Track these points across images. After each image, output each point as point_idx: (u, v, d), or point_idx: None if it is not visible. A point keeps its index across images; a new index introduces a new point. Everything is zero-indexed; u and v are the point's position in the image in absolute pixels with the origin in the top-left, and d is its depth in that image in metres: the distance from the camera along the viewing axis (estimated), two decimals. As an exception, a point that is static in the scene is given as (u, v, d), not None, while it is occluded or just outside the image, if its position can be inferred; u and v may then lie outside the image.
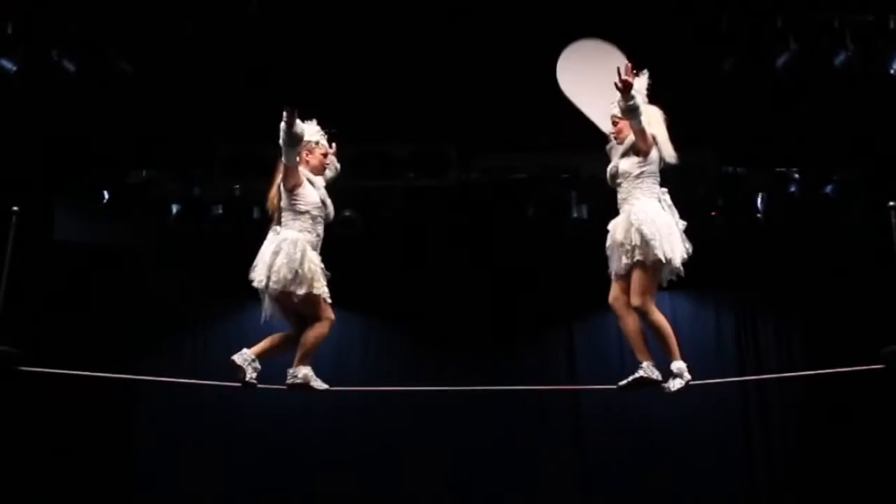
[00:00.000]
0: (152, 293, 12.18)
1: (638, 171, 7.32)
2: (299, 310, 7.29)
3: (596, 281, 10.82)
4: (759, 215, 11.73)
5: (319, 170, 7.59)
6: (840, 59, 9.96)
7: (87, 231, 11.73)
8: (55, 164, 11.17)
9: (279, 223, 7.40)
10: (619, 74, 7.04)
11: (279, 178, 7.42)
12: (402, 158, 11.31)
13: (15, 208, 7.34)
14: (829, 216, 11.64)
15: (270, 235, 7.36)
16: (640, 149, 7.31)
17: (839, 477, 11.34)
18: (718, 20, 10.03)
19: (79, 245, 11.67)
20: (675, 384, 7.08)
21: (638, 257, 7.11)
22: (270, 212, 7.52)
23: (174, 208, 11.80)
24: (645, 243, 7.09)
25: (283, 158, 7.24)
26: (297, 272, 7.11)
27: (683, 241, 7.27)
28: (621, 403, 10.84)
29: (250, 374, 7.07)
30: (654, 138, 7.34)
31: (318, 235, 7.43)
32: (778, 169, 11.63)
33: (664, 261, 7.08)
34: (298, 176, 7.33)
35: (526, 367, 12.14)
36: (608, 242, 7.42)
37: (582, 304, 12.21)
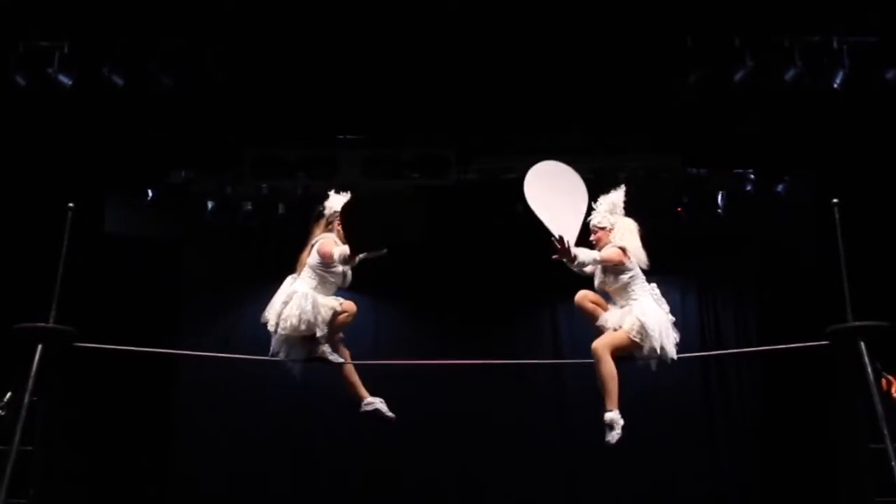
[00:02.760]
0: (190, 279, 12.18)
1: (627, 280, 7.29)
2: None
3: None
4: (719, 210, 11.72)
5: (343, 238, 7.44)
6: (790, 74, 9.96)
7: (134, 225, 11.73)
8: (105, 166, 11.16)
9: (298, 273, 7.38)
10: (555, 247, 7.14)
11: (318, 244, 7.39)
12: (407, 160, 11.31)
13: (70, 205, 7.35)
14: (780, 212, 11.63)
15: (286, 282, 7.37)
16: (619, 268, 7.27)
17: (790, 444, 11.33)
18: (684, 40, 10.03)
19: (126, 237, 11.67)
20: (613, 435, 7.02)
21: (635, 337, 7.11)
22: (300, 264, 7.47)
23: (209, 205, 11.80)
24: (644, 333, 7.08)
25: (335, 257, 7.18)
26: (309, 321, 7.11)
27: (675, 330, 7.27)
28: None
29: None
30: (624, 251, 7.26)
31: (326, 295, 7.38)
32: (736, 170, 11.61)
33: (658, 352, 7.08)
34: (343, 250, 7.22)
35: (516, 344, 12.16)
36: (612, 322, 7.34)
37: (564, 288, 12.19)
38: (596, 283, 7.48)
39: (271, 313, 7.24)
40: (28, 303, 7.48)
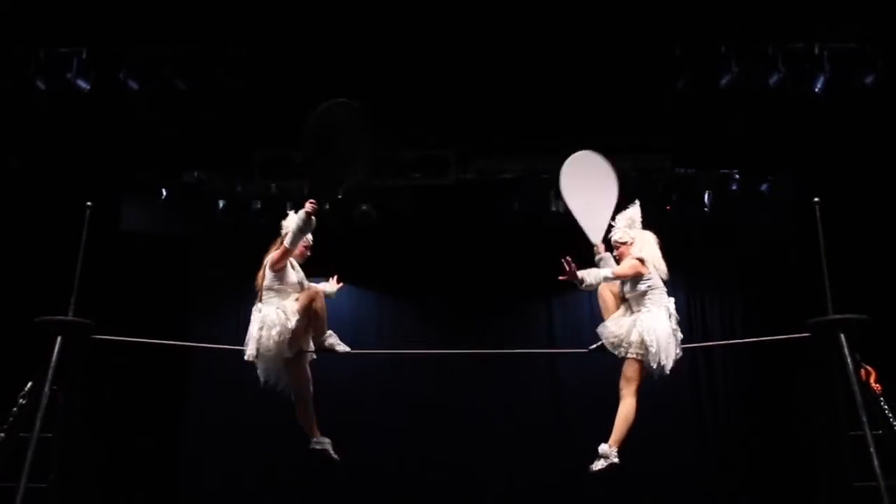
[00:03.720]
0: (202, 274, 12.18)
1: (644, 289, 7.27)
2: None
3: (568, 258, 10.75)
4: (705, 209, 11.72)
5: (301, 257, 7.51)
6: (773, 79, 9.98)
7: (148, 223, 11.73)
8: (121, 167, 11.18)
9: (261, 300, 7.32)
10: (564, 270, 7.13)
11: (268, 259, 7.34)
12: (409, 161, 11.31)
13: (88, 204, 7.36)
14: (764, 210, 11.64)
15: (254, 314, 7.32)
16: (637, 278, 7.25)
17: (773, 431, 11.35)
18: (673, 47, 10.04)
19: (141, 234, 11.67)
20: (598, 464, 7.05)
21: (632, 355, 7.09)
22: (257, 289, 7.42)
23: (220, 203, 11.81)
24: (644, 348, 7.06)
25: (286, 242, 7.17)
26: (281, 325, 7.10)
27: (677, 346, 7.23)
28: (592, 364, 10.83)
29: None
30: (642, 262, 7.25)
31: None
32: (722, 170, 11.62)
33: (655, 367, 7.07)
34: (284, 262, 7.25)
35: (513, 334, 12.15)
36: (617, 318, 7.37)
37: (558, 282, 12.21)
38: (617, 289, 7.47)
39: (251, 343, 7.19)
40: (48, 297, 7.49)
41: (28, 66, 9.95)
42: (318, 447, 7.35)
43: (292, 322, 7.11)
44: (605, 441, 7.13)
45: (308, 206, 7.10)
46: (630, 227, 7.55)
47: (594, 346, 7.39)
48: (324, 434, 7.43)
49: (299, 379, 7.35)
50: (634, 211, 7.63)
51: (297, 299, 7.24)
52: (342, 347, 7.38)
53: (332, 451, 7.37)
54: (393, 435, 11.70)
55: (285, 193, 11.38)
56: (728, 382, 12.10)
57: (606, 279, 7.24)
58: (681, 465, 11.53)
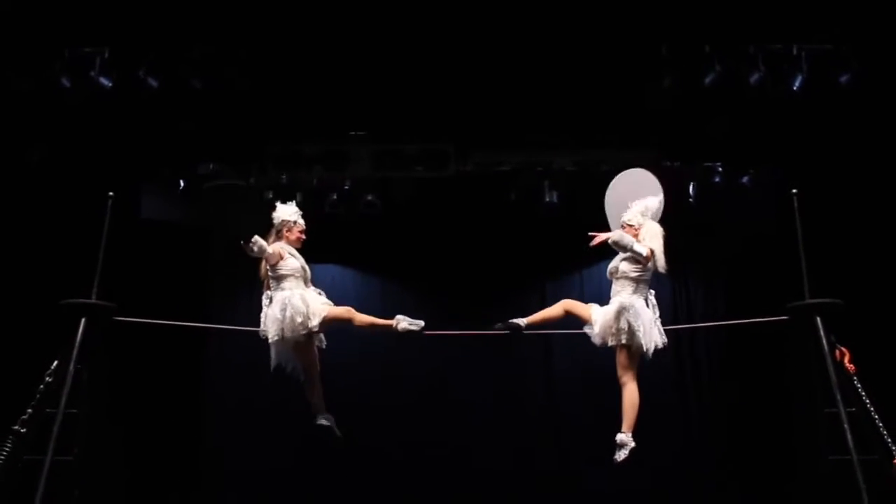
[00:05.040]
0: (218, 261, 12.16)
1: (635, 276, 7.27)
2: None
3: (562, 251, 10.89)
4: (690, 200, 11.70)
5: (297, 243, 7.49)
6: (754, 78, 9.98)
7: (167, 212, 11.72)
8: (142, 160, 11.18)
9: (269, 288, 7.30)
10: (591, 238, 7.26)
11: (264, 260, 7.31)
12: (411, 154, 11.31)
13: (110, 194, 7.37)
14: (746, 201, 11.63)
15: (264, 300, 7.31)
16: (640, 260, 7.24)
17: (753, 409, 11.34)
18: (659, 47, 10.04)
19: (160, 223, 11.65)
20: (620, 454, 7.12)
21: (623, 341, 7.09)
22: (262, 278, 7.43)
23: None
24: (631, 333, 7.05)
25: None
26: (304, 317, 7.07)
27: (660, 333, 7.25)
28: (584, 349, 10.81)
29: None
30: (652, 252, 7.23)
31: (302, 288, 7.31)
32: (706, 163, 11.60)
33: (644, 349, 7.08)
34: (277, 255, 7.21)
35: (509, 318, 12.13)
36: (597, 319, 7.36)
37: (552, 268, 12.27)
38: (611, 265, 7.46)
39: (274, 325, 7.15)
40: (72, 281, 7.49)
41: (54, 66, 9.96)
42: (324, 423, 7.31)
43: (314, 322, 7.10)
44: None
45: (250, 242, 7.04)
46: (643, 214, 7.53)
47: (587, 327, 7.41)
48: (329, 412, 7.41)
49: (307, 358, 7.32)
50: (652, 202, 7.61)
51: (326, 311, 7.22)
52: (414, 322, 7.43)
53: (335, 429, 7.33)
54: (393, 412, 11.68)
55: (296, 184, 11.35)
56: (712, 364, 12.08)
57: (632, 248, 7.20)
58: (664, 444, 11.51)
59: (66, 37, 9.89)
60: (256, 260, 7.30)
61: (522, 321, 7.51)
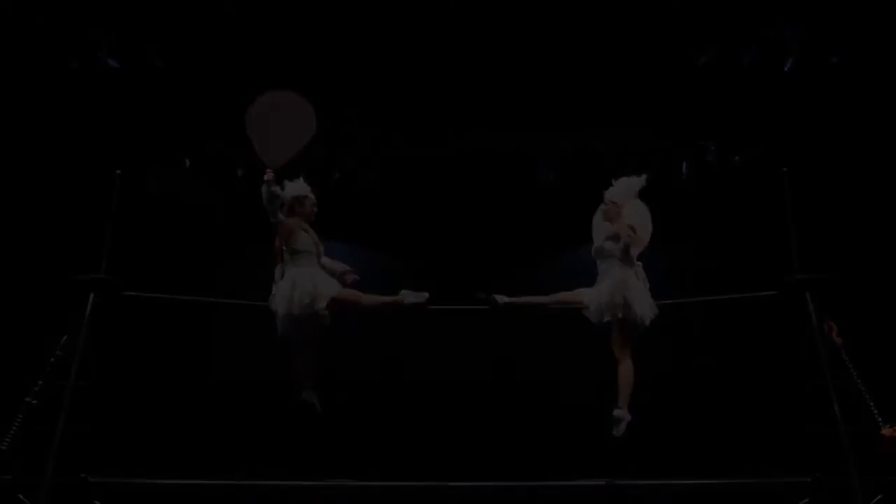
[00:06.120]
0: (223, 236, 12.12)
1: (621, 251, 7.26)
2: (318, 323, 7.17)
3: (557, 227, 10.83)
4: (683, 177, 11.68)
5: (310, 218, 7.37)
6: (747, 60, 9.98)
7: (174, 189, 11.69)
8: (149, 138, 11.17)
9: (282, 261, 7.20)
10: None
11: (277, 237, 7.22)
12: (413, 137, 11.30)
13: (118, 171, 7.35)
14: (737, 179, 11.62)
15: (276, 273, 7.21)
16: (620, 237, 7.25)
17: (744, 381, 11.34)
18: (655, 32, 10.05)
19: (167, 200, 11.63)
20: (619, 429, 7.10)
21: (619, 315, 7.08)
22: (276, 252, 7.27)
23: (239, 171, 11.77)
24: (627, 306, 7.01)
25: (271, 217, 7.04)
26: (312, 298, 6.98)
27: (651, 306, 7.24)
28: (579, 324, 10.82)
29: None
30: (633, 228, 7.21)
31: (314, 267, 7.22)
32: (698, 143, 11.58)
33: (639, 322, 7.06)
34: (290, 227, 7.14)
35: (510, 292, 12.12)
36: (590, 300, 7.32)
37: (548, 245, 12.23)
38: (595, 244, 7.44)
39: (284, 302, 7.02)
40: (81, 256, 7.46)
41: (64, 47, 9.98)
42: (308, 399, 7.26)
43: (320, 304, 7.01)
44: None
45: (265, 175, 7.00)
46: (627, 193, 7.49)
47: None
48: (318, 385, 7.37)
49: (310, 334, 7.27)
50: (637, 182, 7.58)
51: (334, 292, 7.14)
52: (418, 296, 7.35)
53: (318, 406, 7.26)
54: (395, 385, 11.71)
55: (298, 163, 11.32)
56: (706, 337, 12.07)
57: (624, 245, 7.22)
58: (660, 414, 11.52)
59: (75, 19, 9.89)
60: (271, 233, 7.25)
61: (505, 299, 7.40)
